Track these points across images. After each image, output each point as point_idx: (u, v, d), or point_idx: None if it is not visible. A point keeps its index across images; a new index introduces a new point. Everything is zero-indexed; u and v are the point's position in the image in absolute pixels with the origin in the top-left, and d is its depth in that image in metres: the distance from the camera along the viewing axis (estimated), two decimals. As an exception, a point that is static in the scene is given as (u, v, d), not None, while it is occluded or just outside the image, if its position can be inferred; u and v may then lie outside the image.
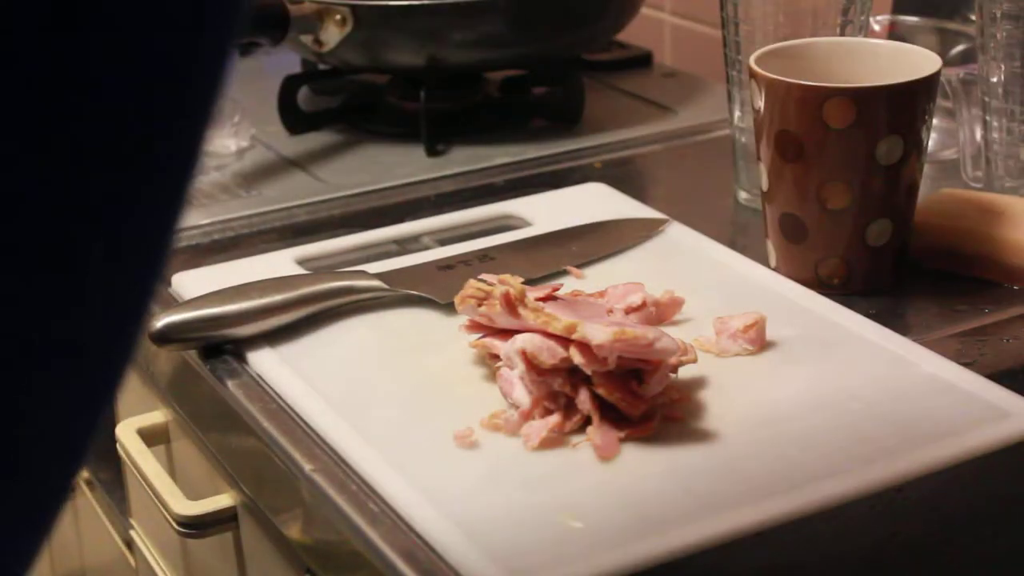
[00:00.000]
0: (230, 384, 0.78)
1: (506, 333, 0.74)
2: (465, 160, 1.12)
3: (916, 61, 0.85)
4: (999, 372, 0.75)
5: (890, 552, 0.68)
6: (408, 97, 1.19)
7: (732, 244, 0.91)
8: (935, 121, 0.93)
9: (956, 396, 0.72)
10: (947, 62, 0.93)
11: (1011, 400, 0.71)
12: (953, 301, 0.84)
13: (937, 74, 0.83)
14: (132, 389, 0.96)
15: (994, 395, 0.72)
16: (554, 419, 0.70)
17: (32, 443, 0.35)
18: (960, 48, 1.03)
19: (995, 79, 0.91)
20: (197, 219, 1.02)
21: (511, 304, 0.73)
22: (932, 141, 0.97)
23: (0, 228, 0.32)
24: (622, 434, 0.69)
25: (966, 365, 0.75)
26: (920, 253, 0.87)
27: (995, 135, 0.92)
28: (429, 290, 0.84)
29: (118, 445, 0.89)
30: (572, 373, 0.71)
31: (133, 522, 1.06)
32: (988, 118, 0.92)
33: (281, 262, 0.91)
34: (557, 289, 0.78)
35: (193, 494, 0.82)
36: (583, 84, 1.19)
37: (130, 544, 1.08)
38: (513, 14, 1.12)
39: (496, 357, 0.74)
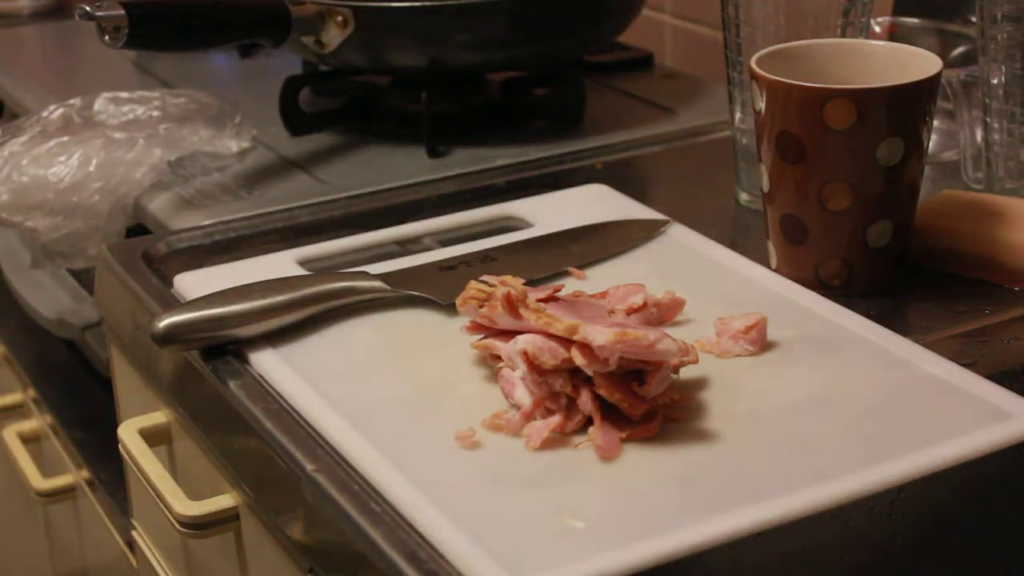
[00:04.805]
0: (232, 384, 0.78)
1: (507, 334, 0.74)
2: (466, 161, 1.12)
3: (917, 62, 0.85)
4: (999, 373, 0.75)
5: (890, 553, 0.68)
6: (409, 98, 1.19)
7: (733, 245, 0.91)
8: (936, 122, 0.93)
9: (956, 397, 0.72)
10: (948, 63, 0.93)
11: (1011, 401, 0.71)
12: (953, 302, 0.84)
13: (938, 75, 0.83)
14: (134, 390, 0.96)
15: (994, 396, 0.72)
16: (555, 419, 0.70)
17: None
18: (961, 50, 1.03)
19: (996, 81, 0.91)
20: (199, 220, 1.02)
21: (512, 305, 0.73)
22: (933, 142, 0.97)
23: None
24: (623, 434, 0.69)
25: (967, 366, 0.75)
26: (921, 254, 0.88)
27: (996, 136, 0.92)
28: (430, 291, 0.84)
29: (120, 445, 0.89)
30: (573, 374, 0.71)
31: (135, 522, 1.06)
32: (989, 120, 0.93)
33: (283, 263, 0.91)
34: (558, 290, 0.78)
35: (195, 494, 0.82)
36: (584, 85, 1.19)
37: (131, 544, 1.08)
38: (514, 16, 1.13)
39: (497, 358, 0.75)
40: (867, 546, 0.67)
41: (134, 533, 1.06)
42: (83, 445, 1.24)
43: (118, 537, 1.15)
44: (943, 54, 0.93)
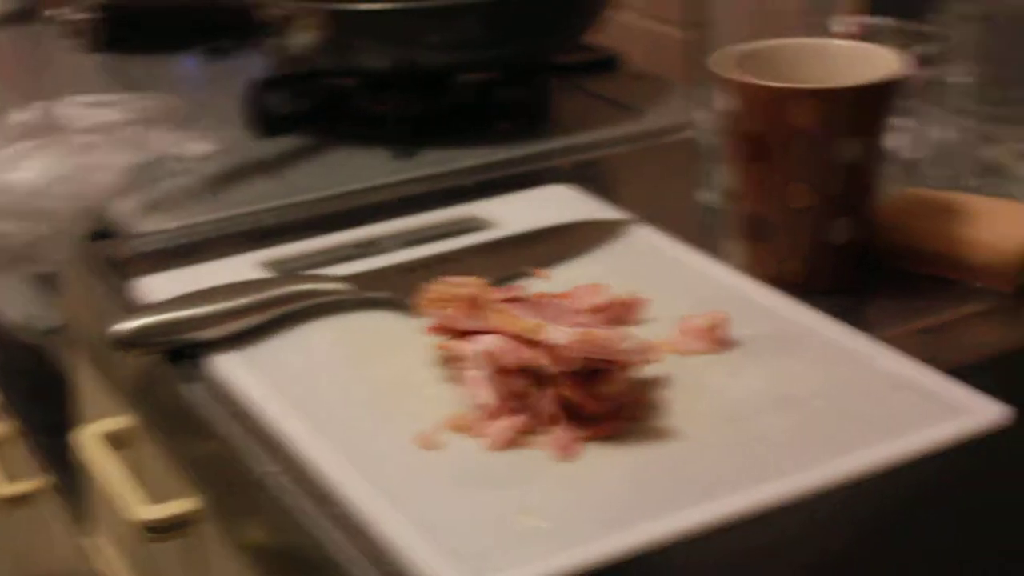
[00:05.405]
0: (194, 388, 0.78)
1: (470, 334, 0.74)
2: (433, 163, 1.12)
3: (880, 62, 0.85)
4: (958, 369, 0.75)
5: (849, 548, 0.68)
6: (377, 100, 1.19)
7: (697, 244, 0.91)
8: (898, 121, 0.94)
9: (916, 393, 0.73)
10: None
11: (969, 397, 0.72)
12: (913, 299, 0.85)
13: (900, 75, 0.84)
14: (96, 393, 0.96)
15: (953, 392, 0.72)
16: (517, 419, 0.70)
17: None
18: (923, 49, 1.03)
19: (956, 80, 0.92)
20: (163, 223, 1.01)
21: (475, 305, 0.73)
22: (894, 141, 0.97)
23: None
24: (585, 434, 0.70)
25: (926, 362, 0.75)
26: (882, 252, 0.88)
27: (956, 135, 0.93)
28: (394, 292, 0.84)
29: (81, 450, 0.89)
30: (536, 374, 0.71)
31: (96, 527, 1.06)
32: (949, 118, 0.93)
33: (247, 265, 0.91)
34: (521, 290, 0.78)
35: (157, 498, 0.82)
36: (551, 86, 1.19)
37: (93, 549, 1.08)
38: (482, 18, 1.13)
39: (460, 358, 0.75)
40: (826, 541, 0.67)
41: (96, 538, 1.06)
42: (49, 449, 1.23)
43: (80, 542, 1.14)
44: (905, 54, 0.93)
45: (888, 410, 0.71)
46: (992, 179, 0.92)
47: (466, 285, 0.75)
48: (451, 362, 0.76)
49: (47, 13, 1.01)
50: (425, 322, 0.78)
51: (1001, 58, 0.89)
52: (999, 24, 0.89)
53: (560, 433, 0.69)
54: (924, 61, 1.03)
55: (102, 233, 1.06)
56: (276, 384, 0.76)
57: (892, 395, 0.73)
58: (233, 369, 0.78)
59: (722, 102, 0.85)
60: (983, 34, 0.90)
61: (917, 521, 0.71)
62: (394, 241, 0.95)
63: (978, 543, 0.74)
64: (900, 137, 1.02)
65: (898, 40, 1.05)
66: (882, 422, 0.70)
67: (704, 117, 0.99)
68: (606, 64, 1.37)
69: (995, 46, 0.89)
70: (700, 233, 0.96)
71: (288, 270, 0.91)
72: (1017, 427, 0.70)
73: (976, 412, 0.71)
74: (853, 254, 0.86)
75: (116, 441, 0.89)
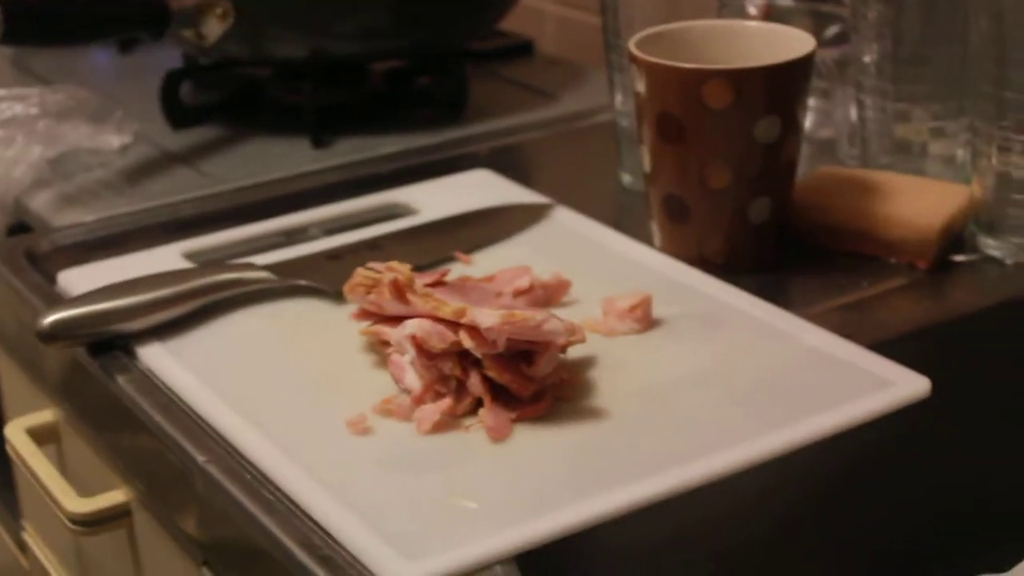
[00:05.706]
0: (120, 380, 0.77)
1: (396, 319, 0.74)
2: (351, 151, 1.12)
3: (791, 42, 0.86)
4: (879, 343, 0.76)
5: (782, 521, 0.69)
6: (292, 89, 1.19)
7: (617, 226, 0.92)
8: (812, 101, 0.95)
9: (839, 367, 0.74)
10: (821, 43, 0.94)
11: (891, 369, 0.73)
12: (833, 276, 0.86)
13: (812, 54, 0.85)
14: (20, 388, 0.95)
15: (875, 365, 0.74)
16: (446, 403, 0.71)
17: None
18: (834, 29, 1.05)
19: (868, 59, 0.93)
20: (82, 216, 1.01)
21: (400, 290, 0.73)
22: (809, 120, 0.98)
23: None
24: (513, 415, 0.70)
25: (847, 337, 0.76)
26: (800, 230, 0.89)
27: (869, 113, 0.94)
28: (318, 280, 0.84)
29: (7, 446, 0.88)
30: (462, 357, 0.71)
31: (25, 524, 1.05)
32: (862, 97, 0.94)
33: (168, 257, 0.90)
34: (445, 275, 0.79)
35: (86, 492, 0.81)
36: (467, 73, 1.19)
37: (23, 546, 1.07)
38: (395, 4, 1.13)
39: (386, 343, 0.75)
40: (758, 516, 0.68)
41: (25, 535, 1.05)
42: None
43: (9, 540, 1.13)
44: (817, 34, 0.94)
45: (813, 385, 0.72)
46: (904, 156, 0.94)
47: (390, 271, 0.75)
48: (378, 347, 0.77)
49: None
50: (350, 308, 0.79)
51: (911, 36, 0.91)
52: (908, 2, 0.90)
53: (489, 415, 0.70)
54: (834, 41, 1.04)
55: (19, 227, 1.06)
56: (204, 374, 0.76)
57: (816, 370, 0.74)
58: (160, 360, 0.78)
59: (636, 84, 0.86)
60: (892, 13, 0.91)
61: (846, 493, 0.72)
62: (317, 229, 0.96)
63: (906, 514, 0.75)
64: (814, 116, 1.03)
65: (806, 20, 1.06)
66: (808, 397, 0.71)
67: (619, 100, 1.00)
68: (521, 50, 1.38)
69: (905, 24, 0.90)
70: (620, 215, 0.97)
71: (210, 260, 0.91)
72: (938, 398, 0.72)
73: (900, 384, 0.72)
74: (772, 233, 0.87)
75: (43, 435, 0.89)
